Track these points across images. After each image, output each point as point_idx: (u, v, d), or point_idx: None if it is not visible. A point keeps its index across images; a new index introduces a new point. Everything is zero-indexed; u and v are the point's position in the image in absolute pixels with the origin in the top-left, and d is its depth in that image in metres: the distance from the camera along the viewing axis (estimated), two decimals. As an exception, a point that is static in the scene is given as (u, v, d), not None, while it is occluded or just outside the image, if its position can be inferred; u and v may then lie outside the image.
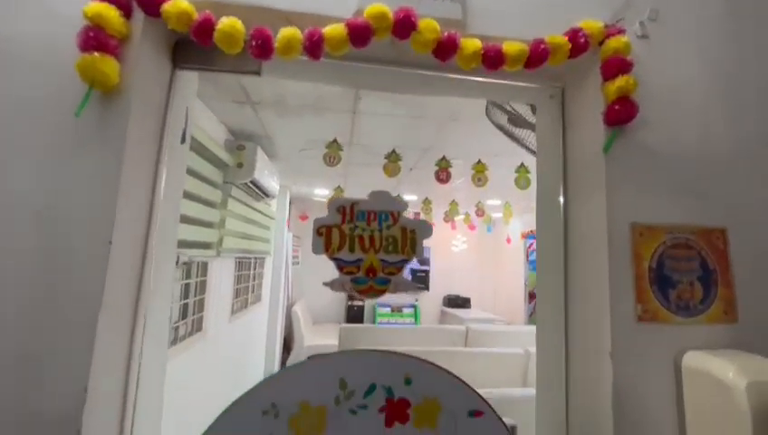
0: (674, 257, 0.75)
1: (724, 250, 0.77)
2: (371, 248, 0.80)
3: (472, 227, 7.03)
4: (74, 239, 0.70)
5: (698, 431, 0.69)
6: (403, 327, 5.57)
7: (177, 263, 1.45)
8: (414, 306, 7.34)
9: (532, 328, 5.02)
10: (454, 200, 4.63)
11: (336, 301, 7.22)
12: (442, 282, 7.61)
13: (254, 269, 3.89)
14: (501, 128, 1.47)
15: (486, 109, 1.59)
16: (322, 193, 5.39)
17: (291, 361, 5.20)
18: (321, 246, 0.79)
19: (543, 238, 0.96)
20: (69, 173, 0.74)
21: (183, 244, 2.02)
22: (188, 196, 2.02)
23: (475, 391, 0.81)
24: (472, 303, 7.35)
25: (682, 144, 0.81)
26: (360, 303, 6.99)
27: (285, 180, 4.81)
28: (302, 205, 6.72)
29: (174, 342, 2.13)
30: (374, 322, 7.11)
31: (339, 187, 4.45)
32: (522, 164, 2.98)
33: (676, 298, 0.74)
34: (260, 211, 3.60)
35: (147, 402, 0.92)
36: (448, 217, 5.20)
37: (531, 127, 1.34)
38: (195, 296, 2.37)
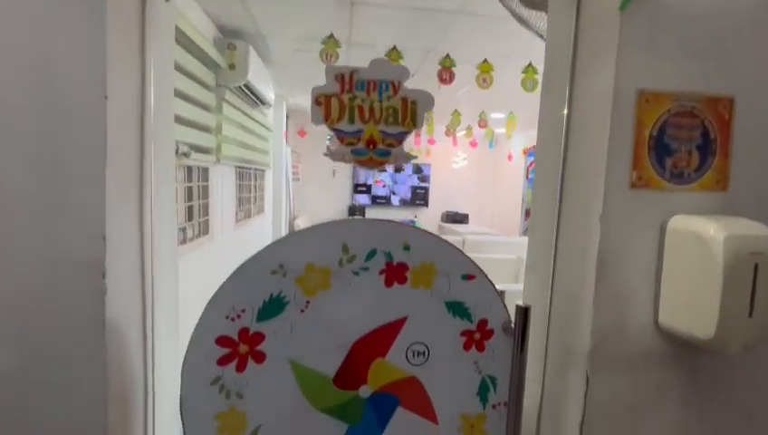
0: (676, 126, 0.74)
1: (728, 120, 0.76)
2: (371, 119, 0.79)
3: (473, 144, 6.93)
4: (69, 95, 0.69)
5: (672, 285, 0.75)
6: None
7: (176, 151, 1.45)
8: (413, 222, 7.55)
9: (523, 239, 5.20)
10: (456, 110, 4.49)
11: (337, 215, 7.41)
12: (441, 199, 7.72)
13: (255, 180, 3.92)
14: (511, 11, 1.36)
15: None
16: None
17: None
18: (321, 115, 0.78)
19: (547, 105, 0.95)
20: (55, 25, 0.70)
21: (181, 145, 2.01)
22: (181, 95, 1.95)
23: (469, 258, 0.86)
24: (470, 219, 7.54)
25: (701, 5, 0.75)
26: (360, 217, 7.21)
27: (281, 89, 4.61)
28: (300, 120, 6.53)
29: (183, 241, 2.22)
30: (374, 236, 7.39)
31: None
32: (530, 64, 2.81)
33: (671, 166, 0.75)
34: (256, 120, 3.51)
35: (164, 263, 0.99)
36: (450, 131, 5.09)
37: (543, 7, 1.24)
38: (198, 200, 2.42)
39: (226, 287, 0.79)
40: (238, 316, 0.80)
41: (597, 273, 0.79)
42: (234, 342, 0.80)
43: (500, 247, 4.11)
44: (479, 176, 7.86)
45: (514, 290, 2.46)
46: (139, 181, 0.89)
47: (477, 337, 0.87)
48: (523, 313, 0.82)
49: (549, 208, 0.93)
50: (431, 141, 6.51)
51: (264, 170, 4.20)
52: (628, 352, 0.82)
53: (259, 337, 0.81)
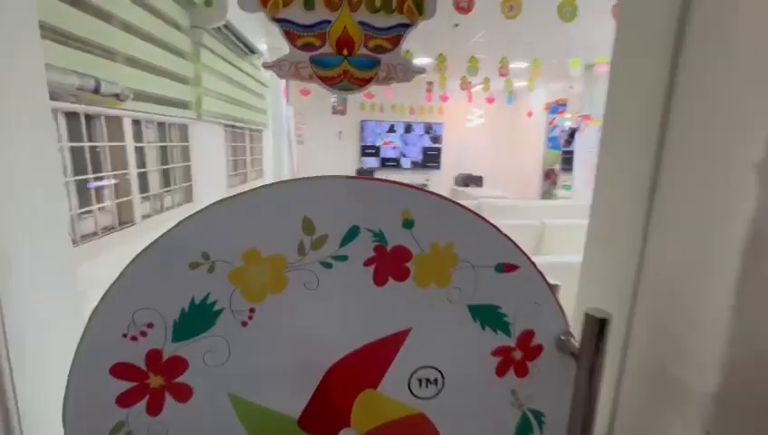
0: None
1: None
2: (344, 3, 0.45)
3: (490, 100, 6.39)
4: None
5: None
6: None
7: (96, 90, 1.11)
8: (424, 186, 7.17)
9: (547, 202, 4.84)
10: (473, 57, 3.96)
11: (345, 181, 7.08)
12: (455, 160, 7.28)
13: (251, 142, 3.58)
14: None
15: None
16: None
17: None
18: (255, -5, 0.45)
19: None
20: None
21: (149, 97, 1.68)
22: (142, 35, 1.60)
23: (508, 238, 0.54)
24: (485, 182, 7.13)
25: None
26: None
27: (278, 41, 4.16)
28: (302, 76, 6.07)
29: (159, 210, 1.95)
30: (384, 201, 7.05)
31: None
32: None
33: None
34: (247, 73, 3.12)
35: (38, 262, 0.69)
36: (465, 83, 4.60)
37: None
38: (175, 163, 2.11)
39: (120, 288, 0.49)
40: (143, 333, 0.51)
41: (743, 259, 0.45)
42: (140, 371, 0.51)
43: (519, 212, 3.75)
44: (495, 135, 7.35)
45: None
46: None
47: (518, 357, 0.58)
48: (598, 325, 0.51)
49: (632, 154, 0.59)
50: (444, 98, 6.00)
51: (260, 131, 3.85)
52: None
53: (179, 363, 0.52)
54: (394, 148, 6.99)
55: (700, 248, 0.52)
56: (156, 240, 0.49)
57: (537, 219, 3.23)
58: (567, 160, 5.56)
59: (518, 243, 0.55)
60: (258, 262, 0.51)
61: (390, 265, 0.53)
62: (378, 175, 7.00)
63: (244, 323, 0.52)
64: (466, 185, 6.93)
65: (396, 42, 0.46)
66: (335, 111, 6.89)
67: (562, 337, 0.58)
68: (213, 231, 0.50)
